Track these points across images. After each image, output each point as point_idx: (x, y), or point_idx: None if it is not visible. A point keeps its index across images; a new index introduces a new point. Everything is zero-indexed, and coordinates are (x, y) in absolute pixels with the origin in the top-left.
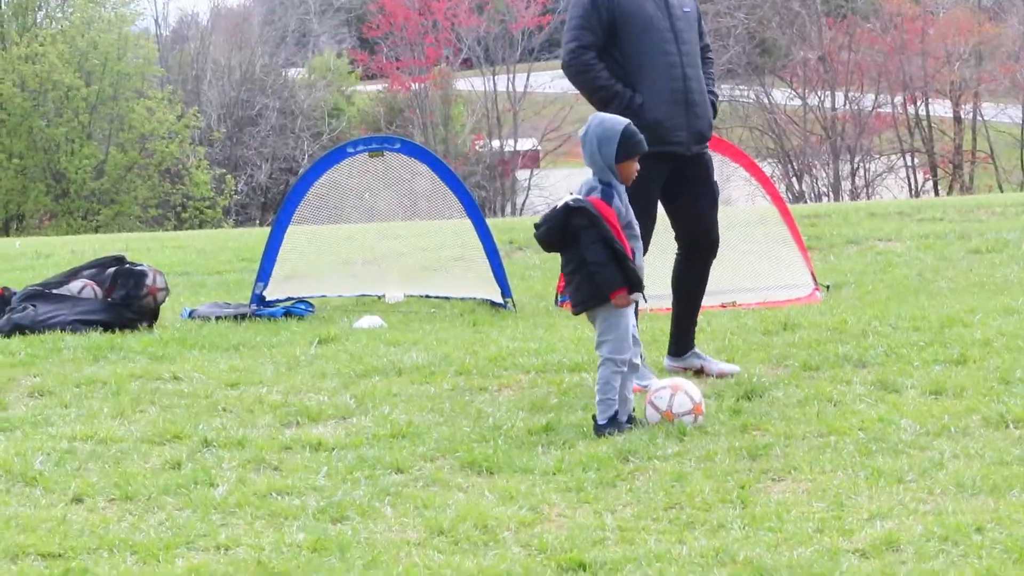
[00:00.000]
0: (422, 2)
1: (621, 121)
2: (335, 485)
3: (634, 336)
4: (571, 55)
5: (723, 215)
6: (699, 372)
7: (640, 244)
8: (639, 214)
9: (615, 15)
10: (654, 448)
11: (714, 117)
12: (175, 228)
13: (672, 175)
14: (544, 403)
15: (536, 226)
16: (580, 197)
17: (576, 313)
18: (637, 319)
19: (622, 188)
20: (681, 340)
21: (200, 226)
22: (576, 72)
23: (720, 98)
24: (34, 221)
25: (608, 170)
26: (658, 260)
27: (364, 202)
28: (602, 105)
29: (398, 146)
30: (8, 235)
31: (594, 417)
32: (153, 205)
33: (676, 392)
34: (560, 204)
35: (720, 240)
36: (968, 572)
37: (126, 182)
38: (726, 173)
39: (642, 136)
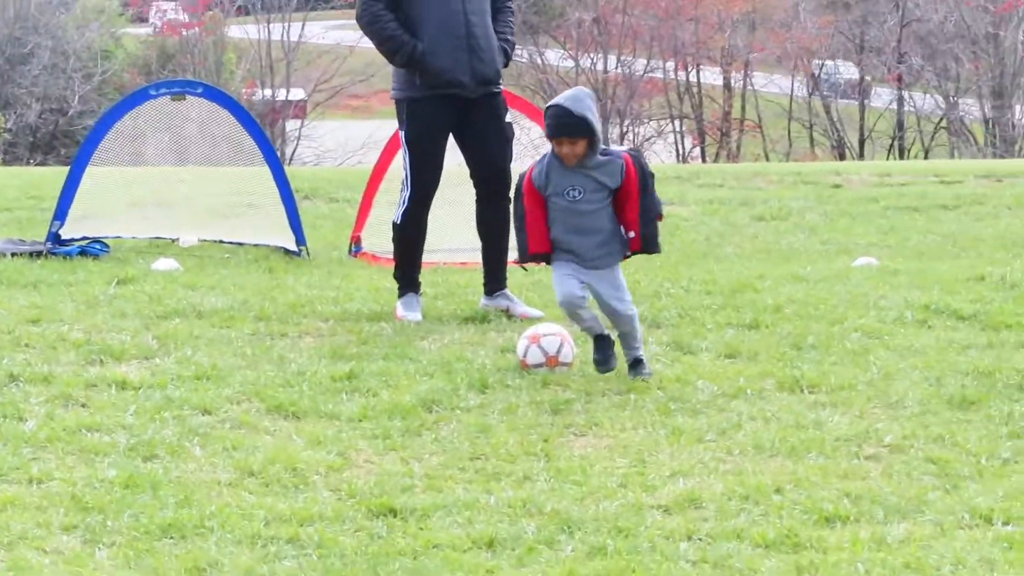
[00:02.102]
0: None
1: (554, 102)
2: (143, 424)
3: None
4: (362, 7)
5: (516, 172)
6: (506, 312)
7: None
8: (423, 160)
9: None
10: (457, 399)
11: (506, 64)
12: None
13: (460, 118)
14: (345, 351)
15: None
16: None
17: None
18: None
19: (555, 160)
20: (491, 281)
21: None
22: (367, 23)
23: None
24: None
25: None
26: (450, 211)
27: (163, 145)
28: (390, 56)
29: (200, 91)
30: None
31: None
32: None
33: (564, 342)
34: None
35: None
36: (770, 531)
37: None
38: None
39: (554, 120)
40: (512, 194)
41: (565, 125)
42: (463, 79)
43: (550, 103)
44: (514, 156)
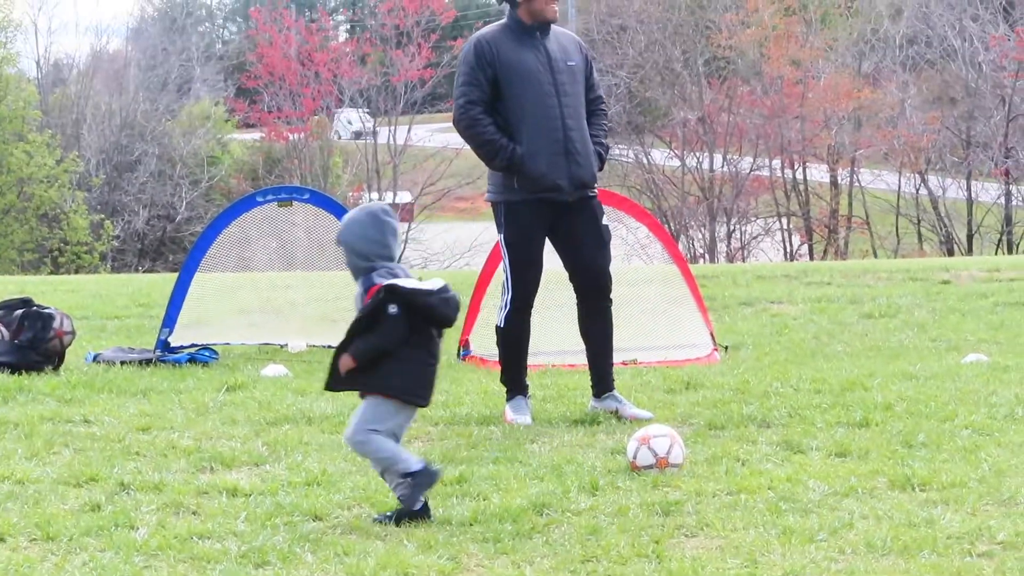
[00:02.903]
0: (303, 53)
1: None
2: (254, 530)
3: None
4: (460, 111)
5: (622, 272)
6: (615, 414)
7: None
8: (522, 263)
9: (497, 70)
10: (567, 501)
11: (600, 168)
12: (51, 273)
13: (556, 221)
14: (455, 455)
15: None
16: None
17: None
18: None
19: None
20: (599, 383)
21: (77, 271)
22: (465, 127)
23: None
24: None
25: None
26: (556, 314)
27: (271, 251)
28: (488, 159)
29: (307, 196)
30: None
31: None
32: (29, 249)
33: (674, 443)
34: None
35: (616, 291)
36: None
37: (3, 225)
38: (619, 233)
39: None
40: None
41: None
42: (561, 183)
43: None
44: (622, 256)
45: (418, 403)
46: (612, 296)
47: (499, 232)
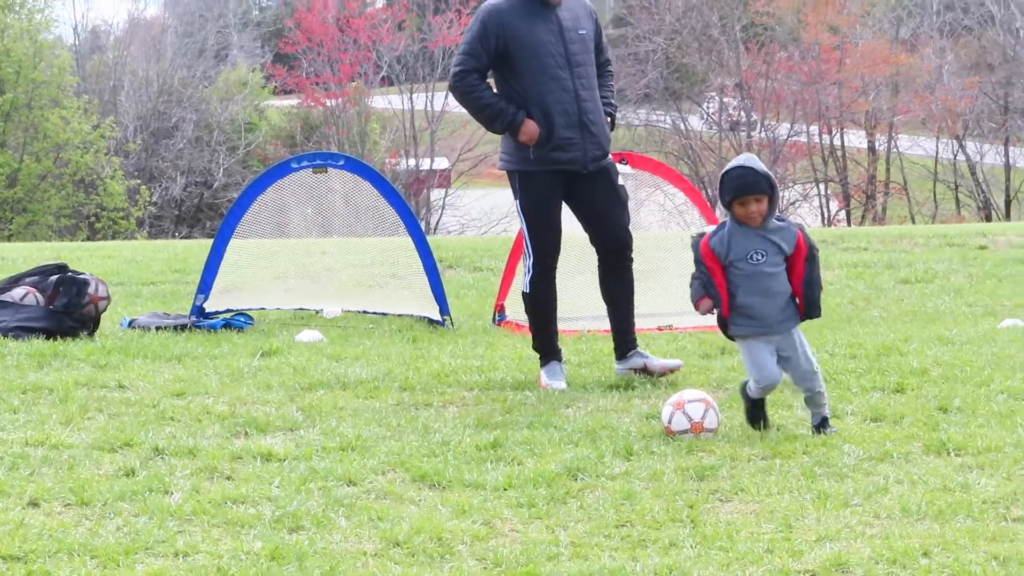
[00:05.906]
0: (342, 19)
1: (732, 165)
2: (288, 495)
3: None
4: (455, 78)
5: (659, 238)
6: (643, 370)
7: None
8: (539, 228)
9: (507, 42)
10: (602, 466)
11: (612, 129)
12: (88, 238)
13: (572, 187)
14: (489, 420)
15: None
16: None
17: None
18: None
19: (736, 226)
20: (622, 343)
21: (113, 237)
22: (461, 94)
23: (619, 111)
24: None
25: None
26: (591, 279)
27: (307, 217)
28: (487, 123)
29: (342, 162)
30: None
31: None
32: (66, 215)
33: (708, 408)
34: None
35: (652, 256)
36: None
37: (39, 191)
38: (656, 199)
39: (740, 180)
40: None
41: (753, 183)
42: (576, 155)
43: (728, 168)
44: (659, 221)
45: None
46: (635, 256)
47: (515, 199)
